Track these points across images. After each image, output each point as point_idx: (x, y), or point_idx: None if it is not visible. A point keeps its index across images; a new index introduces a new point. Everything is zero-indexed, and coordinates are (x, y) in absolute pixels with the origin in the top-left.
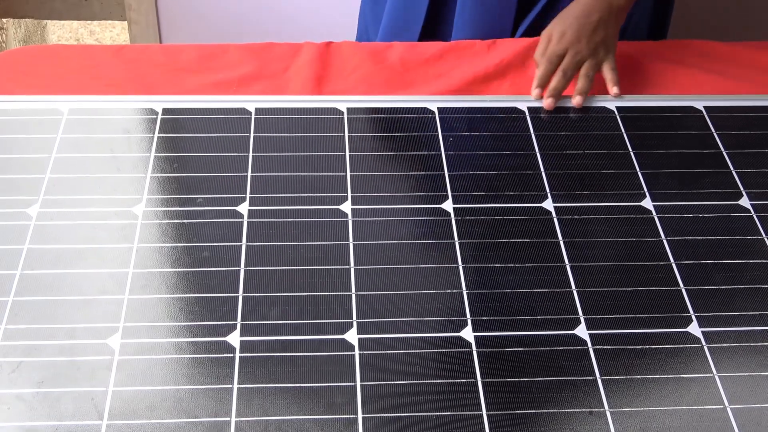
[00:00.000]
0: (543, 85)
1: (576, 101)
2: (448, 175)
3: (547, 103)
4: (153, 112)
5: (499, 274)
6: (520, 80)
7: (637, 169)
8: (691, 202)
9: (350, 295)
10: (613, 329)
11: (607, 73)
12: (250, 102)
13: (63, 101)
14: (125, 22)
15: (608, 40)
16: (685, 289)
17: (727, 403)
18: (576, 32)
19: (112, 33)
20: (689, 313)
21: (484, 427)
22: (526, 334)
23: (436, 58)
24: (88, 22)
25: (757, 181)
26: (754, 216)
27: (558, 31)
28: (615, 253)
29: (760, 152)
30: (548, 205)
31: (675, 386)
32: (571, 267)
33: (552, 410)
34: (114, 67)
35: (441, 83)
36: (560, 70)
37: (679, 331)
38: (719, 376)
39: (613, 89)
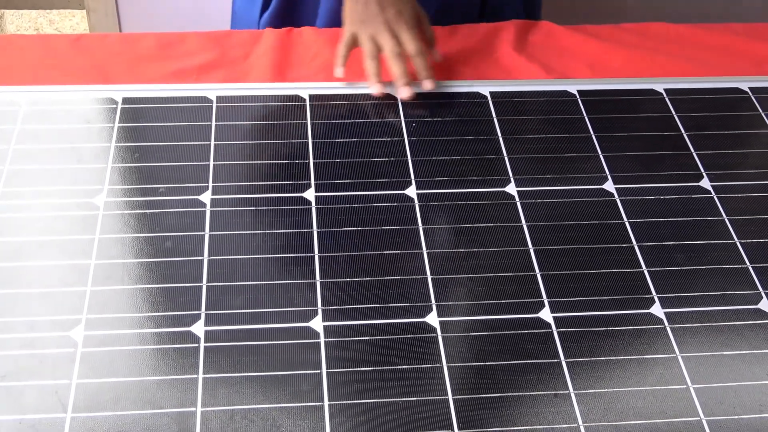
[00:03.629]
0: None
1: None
2: (412, 161)
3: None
4: (113, 101)
5: (463, 258)
6: (483, 65)
7: (599, 152)
8: (653, 184)
9: (315, 283)
10: (576, 312)
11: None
12: (211, 90)
13: (21, 92)
14: (84, 11)
15: (387, 1)
16: (648, 271)
17: (689, 383)
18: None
19: (72, 22)
20: (651, 294)
21: (450, 412)
22: (491, 318)
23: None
24: (47, 11)
25: (717, 162)
26: (715, 197)
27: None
28: (578, 236)
29: (719, 134)
30: (511, 189)
31: (638, 367)
32: (535, 251)
33: (517, 393)
34: (72, 57)
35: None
36: (388, 54)
37: (642, 313)
38: (682, 356)
39: (435, 55)
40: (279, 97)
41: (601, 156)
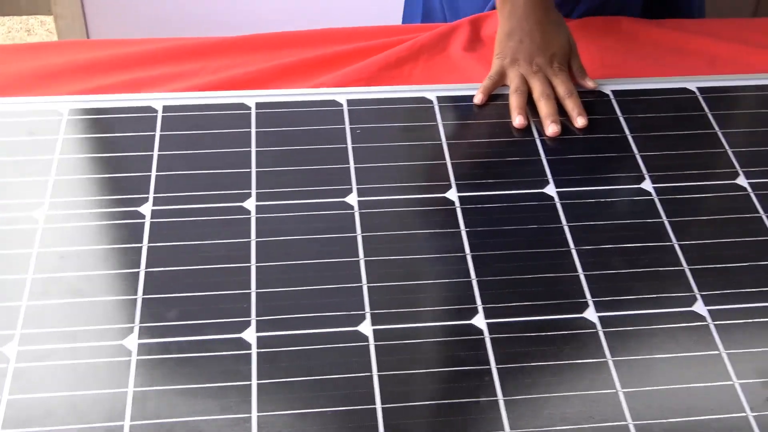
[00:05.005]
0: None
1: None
2: (354, 167)
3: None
4: (58, 113)
5: (400, 266)
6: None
7: (542, 155)
8: (595, 187)
9: (250, 293)
10: (510, 317)
11: (573, 69)
12: (158, 100)
13: None
14: (52, 17)
15: (541, 43)
16: (584, 275)
17: (619, 387)
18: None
19: (46, 28)
20: (586, 298)
21: (377, 420)
22: (424, 326)
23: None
24: (15, 17)
25: (660, 164)
26: (655, 199)
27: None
28: (516, 241)
29: (664, 135)
30: (452, 195)
31: (570, 372)
32: (473, 256)
33: (447, 401)
34: (23, 67)
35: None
36: (538, 96)
37: (576, 317)
38: (613, 360)
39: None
40: (225, 105)
41: (544, 159)
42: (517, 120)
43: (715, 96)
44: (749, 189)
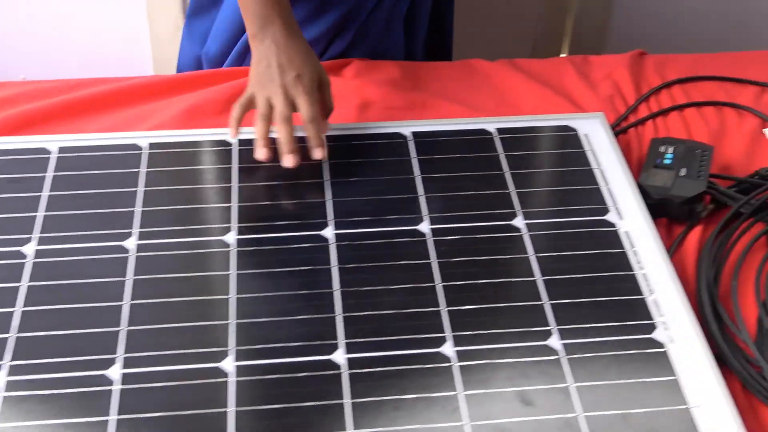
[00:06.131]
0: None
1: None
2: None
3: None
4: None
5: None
6: None
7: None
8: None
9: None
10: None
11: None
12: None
13: None
14: None
15: (287, 64)
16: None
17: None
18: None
19: None
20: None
21: None
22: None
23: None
24: None
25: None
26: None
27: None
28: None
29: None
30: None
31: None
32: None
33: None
34: None
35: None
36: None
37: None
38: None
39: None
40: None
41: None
42: (259, 153)
43: (510, 137)
44: (524, 230)
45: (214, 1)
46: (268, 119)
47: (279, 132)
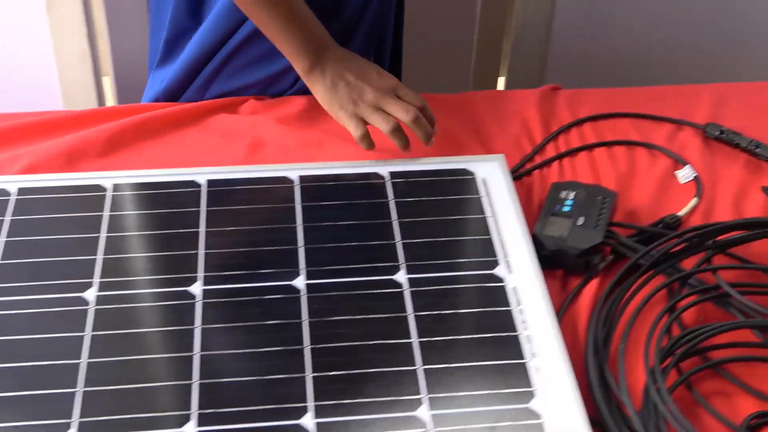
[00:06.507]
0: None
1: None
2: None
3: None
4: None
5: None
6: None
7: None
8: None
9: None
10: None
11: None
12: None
13: None
14: None
15: (361, 81)
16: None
17: None
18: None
19: None
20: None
21: None
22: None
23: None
24: None
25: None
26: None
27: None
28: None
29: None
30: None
31: None
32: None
33: None
34: None
35: None
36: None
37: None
38: None
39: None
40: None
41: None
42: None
43: (403, 181)
44: (405, 285)
45: (179, 51)
46: (398, 126)
47: (420, 122)
